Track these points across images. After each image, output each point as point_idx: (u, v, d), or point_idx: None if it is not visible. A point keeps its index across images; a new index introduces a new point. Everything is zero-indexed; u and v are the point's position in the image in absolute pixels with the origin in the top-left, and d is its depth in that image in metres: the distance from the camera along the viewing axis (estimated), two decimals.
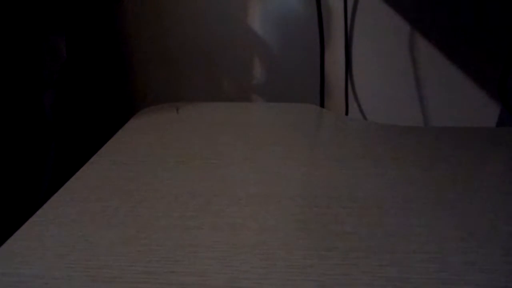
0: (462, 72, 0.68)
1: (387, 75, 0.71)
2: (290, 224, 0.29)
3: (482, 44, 0.66)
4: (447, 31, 0.66)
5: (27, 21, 0.48)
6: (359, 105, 0.74)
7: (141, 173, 0.36)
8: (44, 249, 0.26)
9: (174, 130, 0.46)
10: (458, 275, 0.24)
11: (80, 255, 0.25)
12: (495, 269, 0.24)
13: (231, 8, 0.70)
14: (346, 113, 0.74)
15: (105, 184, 0.34)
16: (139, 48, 0.74)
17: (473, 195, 0.32)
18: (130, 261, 0.25)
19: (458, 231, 0.27)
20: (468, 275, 0.23)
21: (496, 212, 0.30)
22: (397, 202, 0.31)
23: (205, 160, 0.38)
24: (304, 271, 0.24)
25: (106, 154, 0.40)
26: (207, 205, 0.31)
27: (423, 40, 0.68)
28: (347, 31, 0.69)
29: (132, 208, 0.30)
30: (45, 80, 0.51)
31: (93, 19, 0.66)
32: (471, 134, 0.44)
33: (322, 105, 0.70)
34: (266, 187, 0.33)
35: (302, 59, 0.72)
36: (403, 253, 0.25)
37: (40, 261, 0.25)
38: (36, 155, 0.51)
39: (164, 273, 0.24)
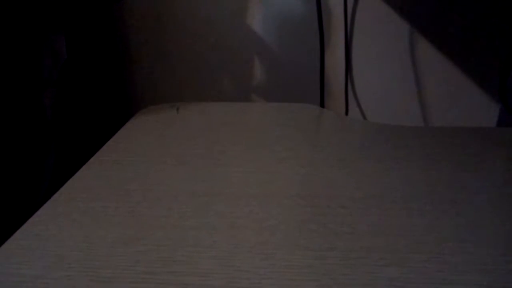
0: (462, 73, 0.68)
1: (387, 75, 0.71)
2: (290, 224, 0.29)
3: (482, 44, 0.66)
4: (447, 31, 0.66)
5: (27, 21, 0.48)
6: (359, 105, 0.74)
7: (141, 173, 0.36)
8: (44, 249, 0.26)
9: (174, 130, 0.46)
10: (458, 275, 0.24)
11: (80, 255, 0.25)
12: (495, 269, 0.24)
13: (231, 8, 0.70)
14: (346, 113, 0.74)
15: (105, 184, 0.34)
16: (139, 48, 0.74)
17: (473, 195, 0.32)
18: (130, 261, 0.25)
19: (458, 231, 0.27)
20: (468, 275, 0.23)
21: (496, 212, 0.30)
22: (397, 202, 0.31)
23: (205, 160, 0.38)
24: (304, 271, 0.24)
25: (106, 154, 0.40)
26: (207, 205, 0.31)
27: (423, 40, 0.68)
28: (347, 31, 0.69)
29: (132, 208, 0.30)
30: (45, 80, 0.51)
31: (93, 19, 0.66)
32: (471, 134, 0.44)
33: (322, 105, 0.70)
34: (266, 187, 0.33)
35: (302, 59, 0.72)
36: (403, 253, 0.25)
37: (40, 261, 0.25)
38: (36, 155, 0.51)
39: (164, 273, 0.24)
